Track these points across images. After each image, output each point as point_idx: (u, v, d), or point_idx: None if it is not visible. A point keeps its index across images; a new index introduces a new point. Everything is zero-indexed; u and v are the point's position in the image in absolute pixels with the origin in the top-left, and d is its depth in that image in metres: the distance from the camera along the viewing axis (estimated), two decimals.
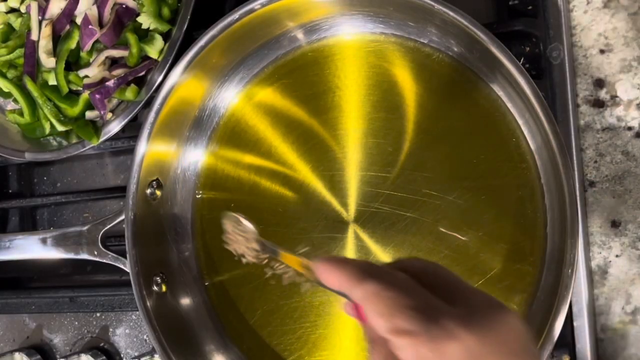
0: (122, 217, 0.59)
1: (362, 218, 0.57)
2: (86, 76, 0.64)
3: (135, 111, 0.62)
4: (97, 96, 0.62)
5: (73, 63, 0.66)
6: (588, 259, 0.53)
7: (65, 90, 0.65)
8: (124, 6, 0.63)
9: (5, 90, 0.69)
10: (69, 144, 0.66)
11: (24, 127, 0.69)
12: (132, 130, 0.65)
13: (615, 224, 0.53)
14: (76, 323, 0.75)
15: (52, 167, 0.78)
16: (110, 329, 0.72)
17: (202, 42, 0.56)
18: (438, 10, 0.49)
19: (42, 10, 0.66)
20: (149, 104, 0.59)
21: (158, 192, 0.61)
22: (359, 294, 0.34)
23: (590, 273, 0.53)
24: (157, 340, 0.56)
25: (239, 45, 0.58)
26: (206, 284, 0.62)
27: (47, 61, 0.65)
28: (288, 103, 0.60)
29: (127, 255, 0.58)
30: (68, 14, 0.65)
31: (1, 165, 0.79)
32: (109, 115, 0.64)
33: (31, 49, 0.66)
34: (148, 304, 0.57)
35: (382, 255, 0.56)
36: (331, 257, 0.38)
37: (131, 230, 0.58)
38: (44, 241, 0.65)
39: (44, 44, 0.65)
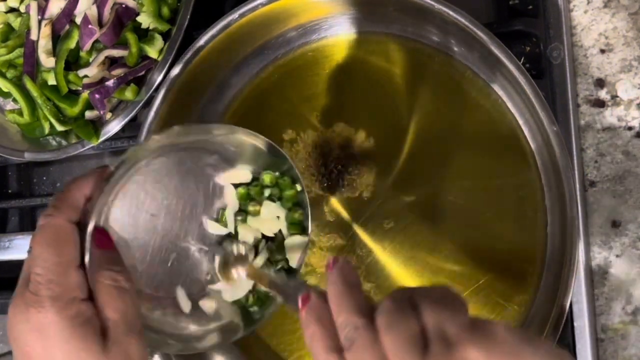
0: None
1: (362, 218, 0.56)
2: (86, 76, 0.64)
3: (135, 111, 0.61)
4: (97, 96, 0.62)
5: (73, 63, 0.66)
6: (588, 259, 0.53)
7: (65, 90, 0.65)
8: (123, 6, 0.63)
9: (5, 90, 0.68)
10: (68, 144, 0.66)
11: (23, 127, 0.69)
12: (131, 130, 0.65)
13: (615, 224, 0.53)
14: None
15: (51, 167, 0.78)
16: None
17: (201, 42, 0.56)
18: (438, 10, 0.49)
19: (42, 9, 0.66)
20: (148, 103, 0.59)
21: None
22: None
23: (590, 273, 0.53)
24: None
25: (238, 45, 0.58)
26: None
27: (47, 61, 0.65)
28: (288, 103, 0.60)
29: None
30: (67, 14, 0.65)
31: (1, 165, 0.79)
32: (109, 115, 0.64)
33: (30, 48, 0.66)
34: None
35: (382, 255, 0.55)
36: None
37: None
38: None
39: (44, 43, 0.65)
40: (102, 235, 0.42)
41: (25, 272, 0.41)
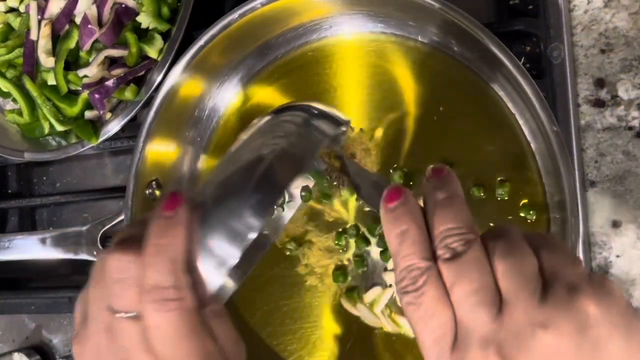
0: (122, 217, 0.59)
1: (362, 217, 0.56)
2: (85, 76, 0.64)
3: (134, 111, 0.61)
4: (97, 96, 0.62)
5: (72, 63, 0.66)
6: (588, 259, 0.53)
7: (65, 90, 0.65)
8: (123, 6, 0.63)
9: (5, 90, 0.68)
10: (68, 144, 0.66)
11: (23, 127, 0.69)
12: (131, 130, 0.65)
13: (616, 224, 0.53)
14: None
15: (51, 167, 0.78)
16: None
17: (201, 42, 0.56)
18: (438, 9, 0.49)
19: (42, 9, 0.66)
20: (148, 103, 0.59)
21: (157, 192, 0.61)
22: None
23: None
24: None
25: (238, 45, 0.58)
26: None
27: (47, 61, 0.65)
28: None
29: None
30: (67, 14, 0.65)
31: (1, 165, 0.79)
32: (108, 115, 0.64)
33: (30, 48, 0.66)
34: None
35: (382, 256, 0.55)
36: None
37: None
38: (43, 241, 0.65)
39: (43, 43, 0.65)
40: None
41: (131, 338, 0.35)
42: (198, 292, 0.35)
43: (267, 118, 0.42)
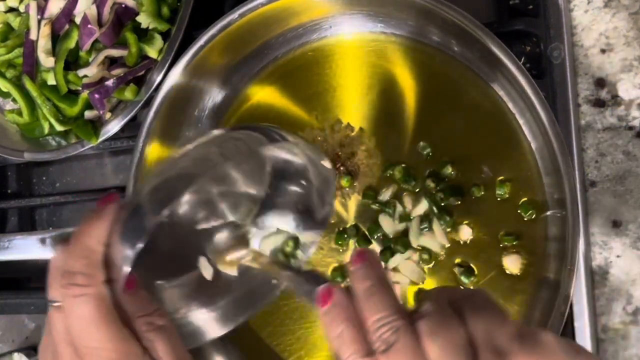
0: None
1: (362, 217, 0.56)
2: (85, 76, 0.64)
3: (134, 111, 0.61)
4: (97, 96, 0.62)
5: (72, 62, 0.66)
6: (589, 259, 0.53)
7: (64, 89, 0.65)
8: (123, 5, 0.63)
9: (4, 89, 0.68)
10: (68, 144, 0.66)
11: (23, 127, 0.69)
12: (131, 130, 0.65)
13: (616, 224, 0.53)
14: None
15: (51, 167, 0.78)
16: None
17: (201, 42, 0.56)
18: (438, 10, 0.49)
19: (41, 9, 0.66)
20: (148, 103, 0.59)
21: None
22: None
23: (591, 273, 0.53)
24: None
25: (238, 45, 0.58)
26: None
27: (46, 61, 0.65)
28: (288, 102, 0.60)
29: None
30: (67, 14, 0.65)
31: (0, 165, 0.79)
32: (108, 115, 0.64)
33: (30, 48, 0.66)
34: None
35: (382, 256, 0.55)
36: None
37: None
38: (43, 241, 0.64)
39: (43, 43, 0.65)
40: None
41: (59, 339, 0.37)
42: (116, 289, 0.36)
43: (220, 132, 0.42)
